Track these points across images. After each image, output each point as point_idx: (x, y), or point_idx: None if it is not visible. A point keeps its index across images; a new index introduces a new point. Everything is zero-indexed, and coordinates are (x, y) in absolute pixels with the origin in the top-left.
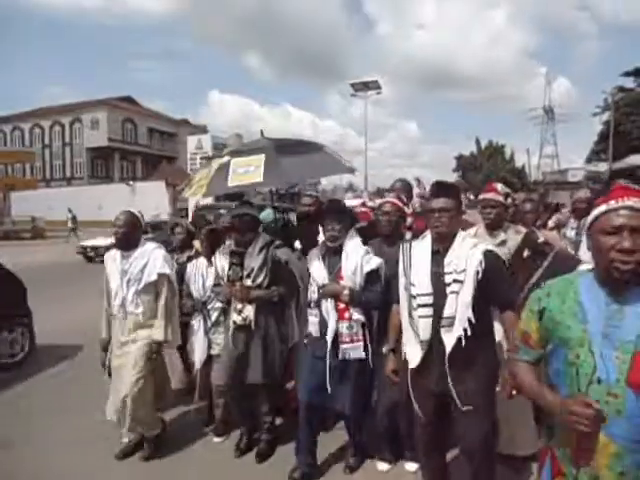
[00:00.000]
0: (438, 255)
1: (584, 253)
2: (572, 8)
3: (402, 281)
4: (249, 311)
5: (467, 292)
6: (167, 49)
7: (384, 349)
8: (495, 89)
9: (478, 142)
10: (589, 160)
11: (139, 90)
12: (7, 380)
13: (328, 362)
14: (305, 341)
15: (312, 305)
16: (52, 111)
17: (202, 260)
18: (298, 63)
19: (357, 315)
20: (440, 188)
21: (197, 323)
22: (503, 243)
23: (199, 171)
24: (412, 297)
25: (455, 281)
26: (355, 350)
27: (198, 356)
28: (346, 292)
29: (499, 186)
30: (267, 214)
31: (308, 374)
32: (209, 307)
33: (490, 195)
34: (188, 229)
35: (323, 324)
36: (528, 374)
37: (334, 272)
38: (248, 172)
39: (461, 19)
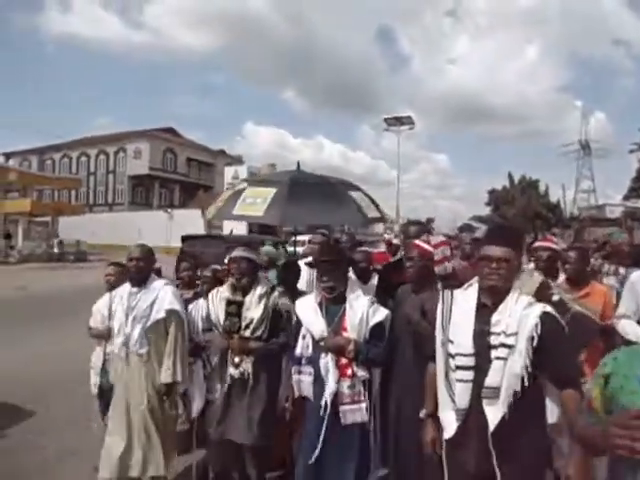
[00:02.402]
0: (485, 310)
1: (625, 309)
2: (606, 43)
3: (439, 336)
4: (247, 364)
5: (518, 361)
6: (207, 82)
7: (421, 414)
8: (528, 123)
9: (511, 176)
10: (627, 197)
11: (179, 121)
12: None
13: (324, 428)
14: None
15: (304, 362)
16: (98, 140)
17: (202, 302)
18: (331, 96)
19: (361, 372)
20: (499, 232)
21: (196, 368)
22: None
23: (223, 194)
24: (450, 356)
25: (503, 345)
26: (356, 412)
27: (196, 403)
28: (351, 346)
29: None
30: (273, 252)
31: (303, 457)
32: (209, 352)
33: None
34: (192, 265)
35: (318, 383)
36: (588, 426)
37: (335, 323)
38: (254, 204)
39: (493, 54)
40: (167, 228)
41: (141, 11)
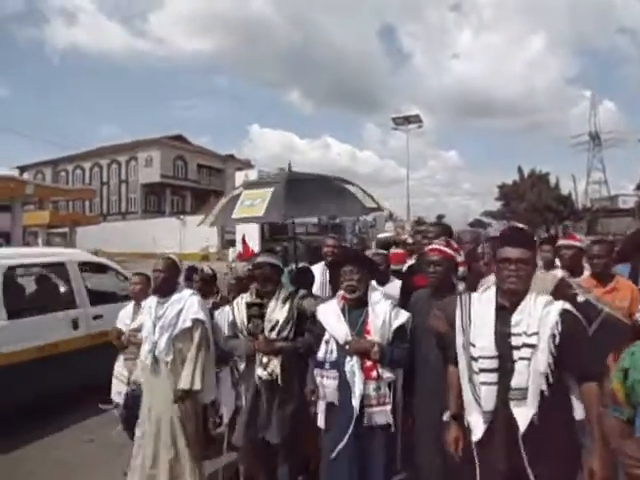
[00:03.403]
0: (505, 312)
1: None
2: (612, 31)
3: (460, 339)
4: (275, 365)
5: (542, 360)
6: (211, 87)
7: (444, 416)
8: (536, 116)
9: (520, 170)
10: (639, 187)
11: (187, 127)
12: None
13: (350, 431)
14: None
15: (328, 366)
16: (110, 150)
17: (228, 309)
18: (336, 95)
19: (387, 374)
20: (516, 234)
21: (224, 374)
22: None
23: (219, 202)
24: (472, 359)
25: (525, 345)
26: (382, 414)
27: (226, 409)
28: (376, 348)
29: None
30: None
31: (328, 460)
32: (236, 358)
33: None
34: (204, 277)
35: (344, 387)
36: (614, 422)
37: (359, 326)
38: (253, 205)
39: (498, 47)
40: (181, 234)
41: (145, 19)
